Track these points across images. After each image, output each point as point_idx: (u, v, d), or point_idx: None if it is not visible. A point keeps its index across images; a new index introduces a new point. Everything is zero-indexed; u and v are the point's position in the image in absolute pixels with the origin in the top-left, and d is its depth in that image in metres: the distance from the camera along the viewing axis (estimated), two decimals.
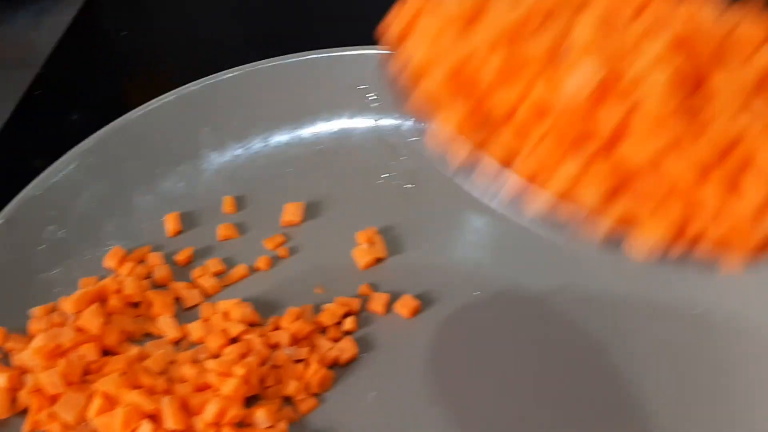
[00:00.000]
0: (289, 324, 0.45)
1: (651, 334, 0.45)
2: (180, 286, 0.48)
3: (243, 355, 0.44)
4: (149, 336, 0.46)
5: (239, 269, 0.48)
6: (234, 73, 0.53)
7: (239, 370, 0.43)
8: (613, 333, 0.45)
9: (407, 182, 0.52)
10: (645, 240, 0.28)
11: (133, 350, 0.45)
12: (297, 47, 0.55)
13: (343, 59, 0.54)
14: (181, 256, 0.49)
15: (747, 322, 0.44)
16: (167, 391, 0.43)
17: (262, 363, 0.44)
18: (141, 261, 0.49)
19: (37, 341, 0.43)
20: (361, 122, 0.53)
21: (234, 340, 0.45)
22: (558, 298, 0.47)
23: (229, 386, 0.42)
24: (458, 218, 0.50)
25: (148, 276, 0.48)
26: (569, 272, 0.47)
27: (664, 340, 0.44)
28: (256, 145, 0.53)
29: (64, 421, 0.41)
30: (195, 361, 0.44)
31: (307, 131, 0.53)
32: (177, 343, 0.46)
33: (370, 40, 0.54)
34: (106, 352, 0.45)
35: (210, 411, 0.41)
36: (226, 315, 0.46)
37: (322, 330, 0.46)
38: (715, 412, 0.42)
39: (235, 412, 0.41)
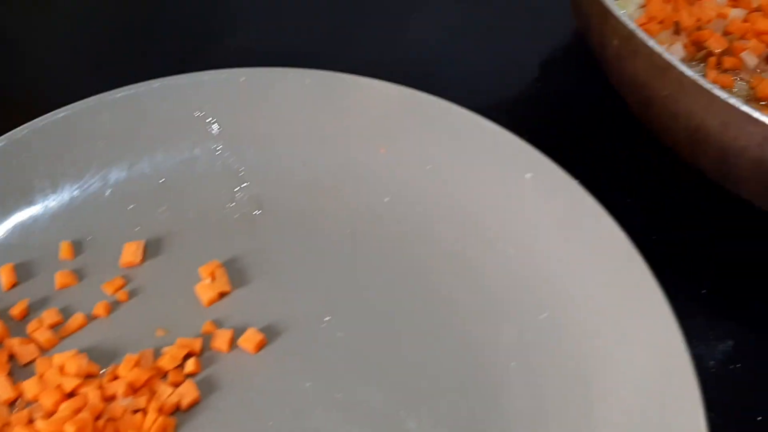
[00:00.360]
0: (126, 372, 0.43)
1: (504, 338, 0.44)
2: (15, 342, 0.45)
3: (77, 411, 0.42)
4: None
5: (76, 318, 0.46)
6: (64, 113, 0.51)
7: (70, 428, 0.40)
8: (469, 340, 0.44)
9: (254, 209, 0.50)
10: None
11: None
12: (136, 77, 0.52)
13: (177, 86, 0.51)
14: (16, 310, 0.46)
15: (587, 324, 0.43)
16: None
17: (98, 417, 0.42)
18: None
19: None
20: (203, 150, 0.51)
21: (71, 395, 0.43)
22: (411, 314, 0.45)
23: None
24: (308, 241, 0.48)
25: None
26: (421, 288, 0.46)
27: (516, 343, 0.44)
28: (94, 184, 0.50)
29: None
30: (30, 422, 0.42)
31: (147, 165, 0.51)
32: (12, 403, 0.43)
33: (204, 65, 0.53)
34: None
35: None
36: (61, 369, 0.44)
37: (164, 375, 0.44)
38: (567, 405, 0.41)
39: None
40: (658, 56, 0.40)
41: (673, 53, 0.50)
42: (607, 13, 0.43)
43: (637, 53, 0.42)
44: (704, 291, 0.47)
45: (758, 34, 0.51)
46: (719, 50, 0.51)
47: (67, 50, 0.63)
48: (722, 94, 0.39)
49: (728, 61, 0.51)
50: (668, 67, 0.40)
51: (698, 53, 0.52)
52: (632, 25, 0.42)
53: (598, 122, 0.55)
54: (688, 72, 0.40)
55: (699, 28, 0.52)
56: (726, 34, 0.52)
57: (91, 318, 0.46)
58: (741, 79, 0.50)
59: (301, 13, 0.64)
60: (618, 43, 0.43)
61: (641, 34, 0.41)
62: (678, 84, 0.40)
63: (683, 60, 0.52)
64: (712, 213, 0.50)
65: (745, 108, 0.38)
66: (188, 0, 0.65)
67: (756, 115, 0.38)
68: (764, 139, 0.38)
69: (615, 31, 0.43)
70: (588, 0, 0.45)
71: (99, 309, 0.46)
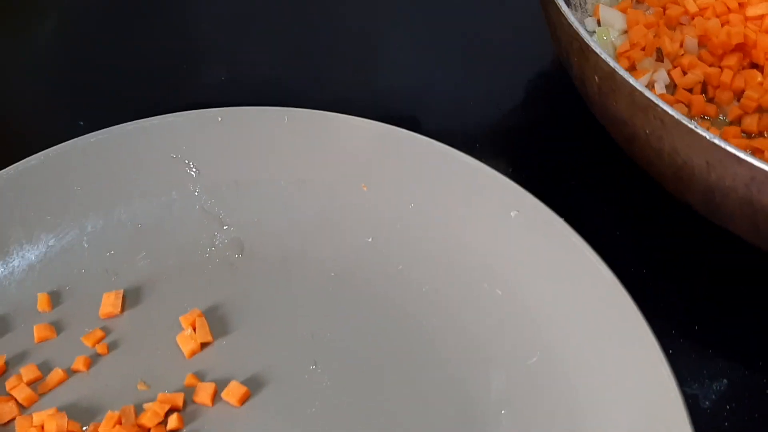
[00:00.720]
0: (108, 431, 0.42)
1: (493, 385, 0.43)
2: None
3: None
4: None
5: (56, 374, 0.45)
6: (37, 160, 0.50)
7: None
8: (458, 387, 0.43)
9: (234, 253, 0.49)
10: None
11: None
12: (110, 120, 0.51)
13: (151, 129, 0.50)
14: None
15: (576, 368, 0.42)
16: None
17: None
18: None
19: None
20: (181, 193, 0.50)
21: None
22: (398, 360, 0.44)
23: None
24: (290, 285, 0.47)
25: None
26: (407, 332, 0.45)
27: (505, 389, 0.43)
28: (71, 232, 0.49)
29: None
30: None
31: (124, 210, 0.50)
32: None
33: (180, 106, 0.52)
34: None
35: None
36: (41, 429, 0.43)
37: None
38: None
39: None
40: (640, 94, 0.40)
41: (657, 80, 0.50)
42: (586, 50, 0.42)
43: (618, 91, 0.41)
44: (697, 327, 0.46)
45: None
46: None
47: (38, 95, 0.62)
48: (706, 134, 0.38)
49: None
50: (650, 105, 0.39)
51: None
52: (612, 63, 0.41)
53: (584, 152, 0.54)
54: (671, 111, 0.39)
55: (682, 55, 0.51)
56: None
57: (70, 373, 0.45)
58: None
59: (276, 49, 0.62)
60: (599, 80, 0.42)
61: (622, 72, 0.40)
62: (661, 123, 0.40)
63: (668, 87, 0.51)
64: (702, 247, 0.49)
65: (731, 148, 0.37)
66: (160, 41, 0.64)
67: (742, 155, 0.37)
68: (751, 179, 0.37)
69: (595, 68, 0.42)
70: (567, 36, 0.44)
71: (79, 363, 0.45)
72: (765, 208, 0.38)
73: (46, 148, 0.50)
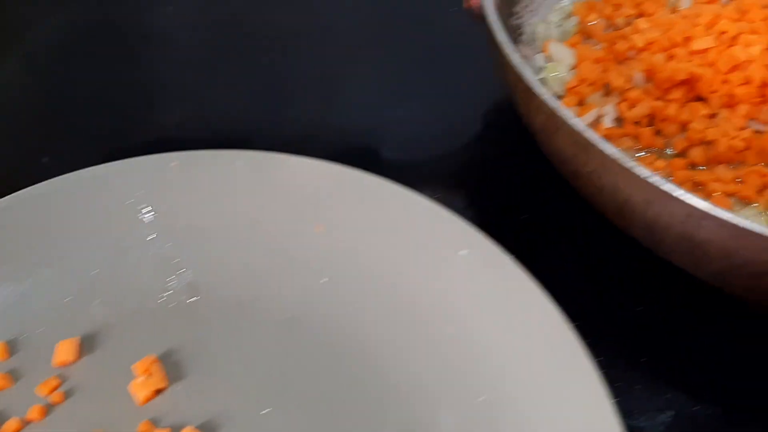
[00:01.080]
0: None
1: (443, 424, 0.43)
2: None
3: None
4: None
5: (11, 424, 0.45)
6: None
7: None
8: (410, 428, 0.43)
9: (190, 296, 0.49)
10: None
11: None
12: (63, 168, 0.52)
13: (106, 175, 0.51)
14: None
15: (523, 407, 0.43)
16: None
17: None
18: None
19: None
20: (136, 239, 0.50)
21: None
22: (351, 401, 0.45)
23: None
24: (245, 328, 0.48)
25: None
26: (360, 373, 0.46)
27: (455, 428, 0.43)
28: (27, 281, 0.49)
29: None
30: None
31: (79, 257, 0.50)
32: None
33: (132, 151, 0.52)
34: None
35: None
36: None
37: None
38: None
39: None
40: (579, 135, 0.40)
41: (605, 114, 0.51)
42: (529, 91, 0.42)
43: (560, 130, 0.42)
44: (644, 359, 0.47)
45: None
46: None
47: (2, 132, 0.62)
48: (643, 173, 0.38)
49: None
50: (590, 145, 0.40)
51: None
52: (554, 104, 0.41)
53: (536, 185, 0.55)
54: (609, 150, 0.39)
55: (629, 89, 0.52)
56: None
57: (25, 422, 0.45)
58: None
59: (235, 88, 0.63)
60: (542, 119, 0.43)
61: (563, 113, 0.41)
62: (600, 161, 0.40)
63: (616, 120, 0.52)
64: (652, 281, 0.49)
65: (666, 186, 0.38)
66: (123, 79, 0.65)
67: (677, 194, 0.38)
68: (687, 216, 0.38)
69: (539, 108, 0.43)
70: (512, 77, 0.44)
71: (33, 413, 0.45)
72: (702, 243, 0.39)
73: (10, 185, 0.51)
